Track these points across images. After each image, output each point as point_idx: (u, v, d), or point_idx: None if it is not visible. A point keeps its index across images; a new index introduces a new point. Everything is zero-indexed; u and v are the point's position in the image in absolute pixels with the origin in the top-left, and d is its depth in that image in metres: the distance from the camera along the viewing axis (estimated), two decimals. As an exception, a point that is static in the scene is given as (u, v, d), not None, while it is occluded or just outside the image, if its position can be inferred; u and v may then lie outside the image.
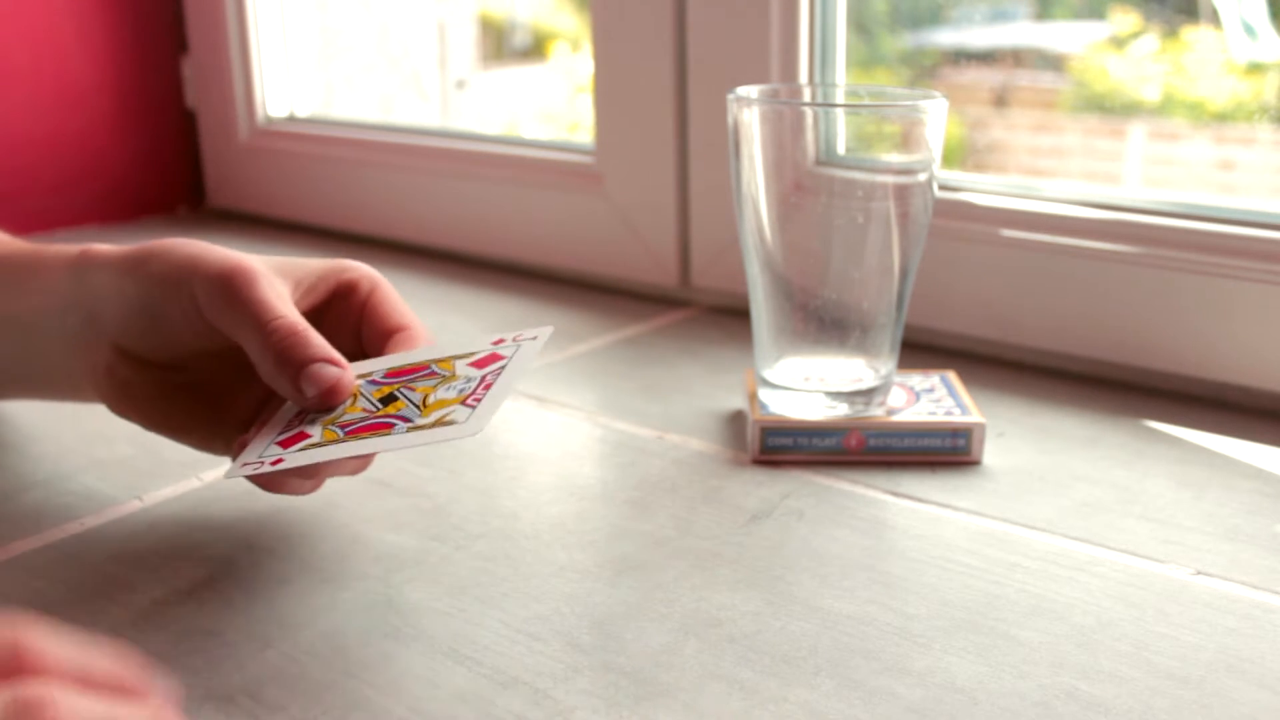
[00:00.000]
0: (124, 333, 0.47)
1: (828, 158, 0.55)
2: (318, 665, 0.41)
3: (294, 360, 0.44)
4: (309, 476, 0.45)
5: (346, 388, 0.44)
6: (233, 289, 0.44)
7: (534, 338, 0.46)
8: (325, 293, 0.49)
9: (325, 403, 0.44)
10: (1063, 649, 0.41)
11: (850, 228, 0.54)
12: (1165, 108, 0.89)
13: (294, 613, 0.44)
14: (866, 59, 0.86)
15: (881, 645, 0.41)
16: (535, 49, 1.81)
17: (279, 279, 0.47)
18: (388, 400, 0.44)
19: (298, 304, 0.47)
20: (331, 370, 0.44)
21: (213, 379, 0.49)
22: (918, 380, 0.61)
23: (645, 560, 0.48)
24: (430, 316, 0.81)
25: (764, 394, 0.58)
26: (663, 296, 0.85)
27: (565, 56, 1.72)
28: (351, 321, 0.49)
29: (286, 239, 1.06)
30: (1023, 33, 0.96)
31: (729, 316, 0.81)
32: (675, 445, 0.59)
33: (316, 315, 0.48)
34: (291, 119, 1.11)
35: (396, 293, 0.50)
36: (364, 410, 0.44)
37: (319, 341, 0.44)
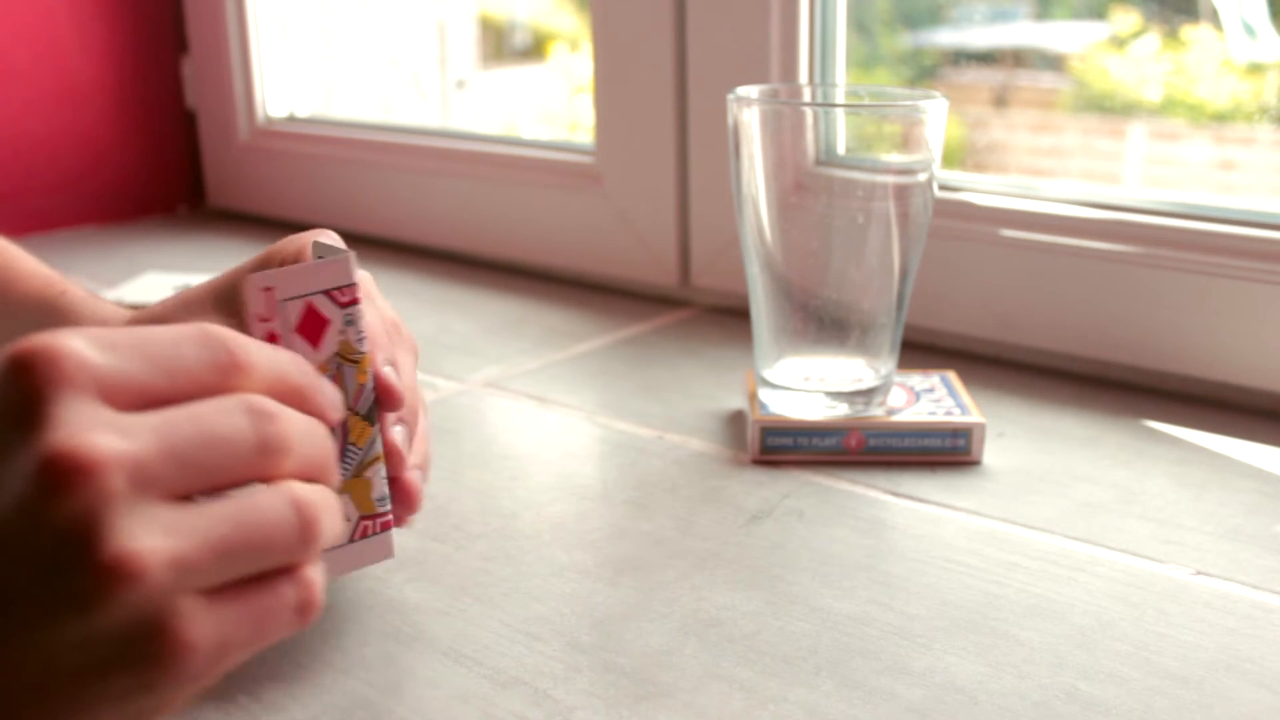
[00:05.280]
0: None
1: (828, 158, 0.55)
2: (318, 665, 0.41)
3: None
4: None
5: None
6: None
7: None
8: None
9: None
10: (1063, 649, 0.41)
11: (850, 228, 0.54)
12: (1165, 108, 0.89)
13: (294, 613, 0.44)
14: (866, 59, 0.86)
15: (881, 645, 0.41)
16: (535, 49, 1.81)
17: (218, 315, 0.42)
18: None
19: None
20: None
21: None
22: (918, 380, 0.61)
23: (645, 560, 0.48)
24: (430, 316, 0.81)
25: (764, 394, 0.58)
26: (663, 296, 0.85)
27: (565, 56, 1.72)
28: None
29: (286, 239, 1.06)
30: (1023, 33, 0.96)
31: (729, 316, 0.81)
32: (675, 445, 0.59)
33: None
34: (291, 119, 1.11)
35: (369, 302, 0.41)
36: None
37: None
